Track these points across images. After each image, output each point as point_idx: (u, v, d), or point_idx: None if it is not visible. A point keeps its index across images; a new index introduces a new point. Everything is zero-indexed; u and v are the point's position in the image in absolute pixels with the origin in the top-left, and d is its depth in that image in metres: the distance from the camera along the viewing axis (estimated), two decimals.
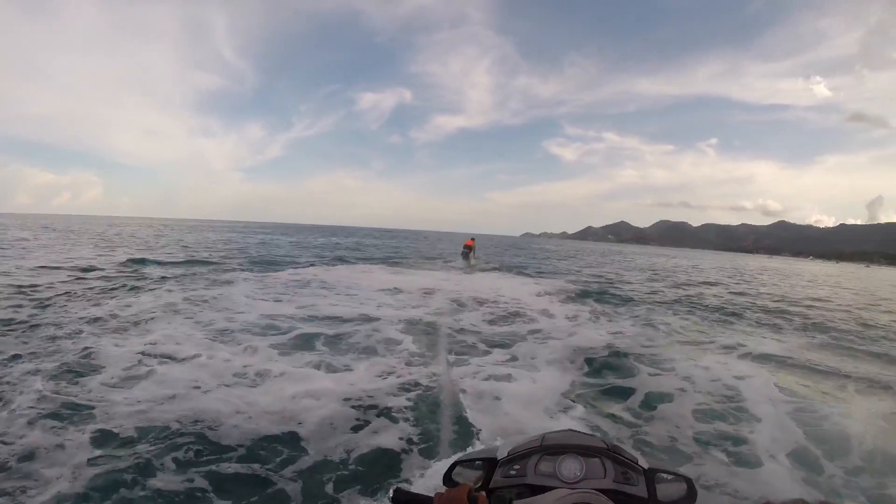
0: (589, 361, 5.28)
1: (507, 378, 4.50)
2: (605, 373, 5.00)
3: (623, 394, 4.36)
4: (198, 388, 3.69)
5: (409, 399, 3.77)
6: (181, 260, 14.01)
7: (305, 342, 5.49)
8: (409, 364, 4.79)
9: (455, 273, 15.80)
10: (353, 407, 3.53)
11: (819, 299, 14.78)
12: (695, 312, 9.93)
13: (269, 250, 21.33)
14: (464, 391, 4.00)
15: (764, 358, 5.97)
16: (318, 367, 4.57)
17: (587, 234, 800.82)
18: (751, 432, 3.57)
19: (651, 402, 4.17)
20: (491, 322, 7.44)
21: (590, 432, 1.28)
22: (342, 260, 18.03)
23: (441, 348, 5.55)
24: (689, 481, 0.98)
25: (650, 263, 33.52)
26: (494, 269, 18.60)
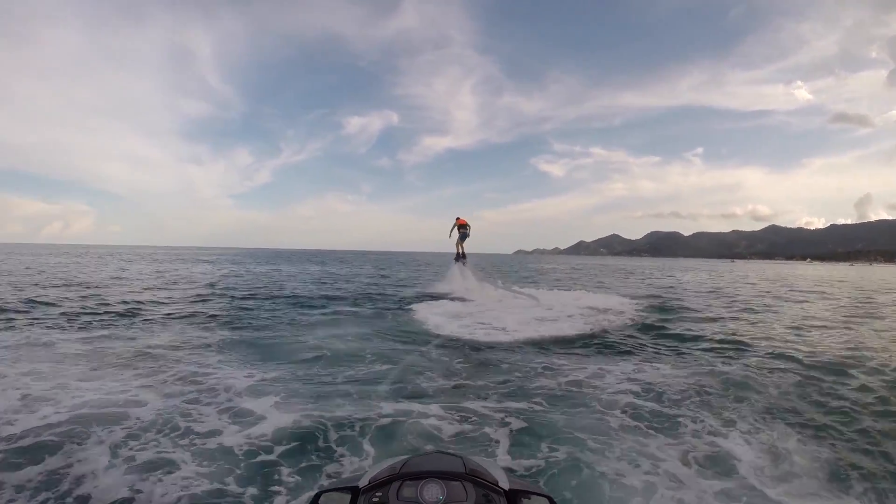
0: None
1: None
2: None
3: None
4: None
5: None
6: None
7: None
8: None
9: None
10: None
11: None
12: None
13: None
14: None
15: None
16: None
17: (580, 248, 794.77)
18: None
19: None
20: None
21: (453, 453, 1.06)
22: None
23: None
24: (550, 499, 0.96)
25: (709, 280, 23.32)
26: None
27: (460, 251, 16.30)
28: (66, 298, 11.01)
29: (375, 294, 14.49)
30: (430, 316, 9.43)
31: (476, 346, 6.86)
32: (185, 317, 9.01)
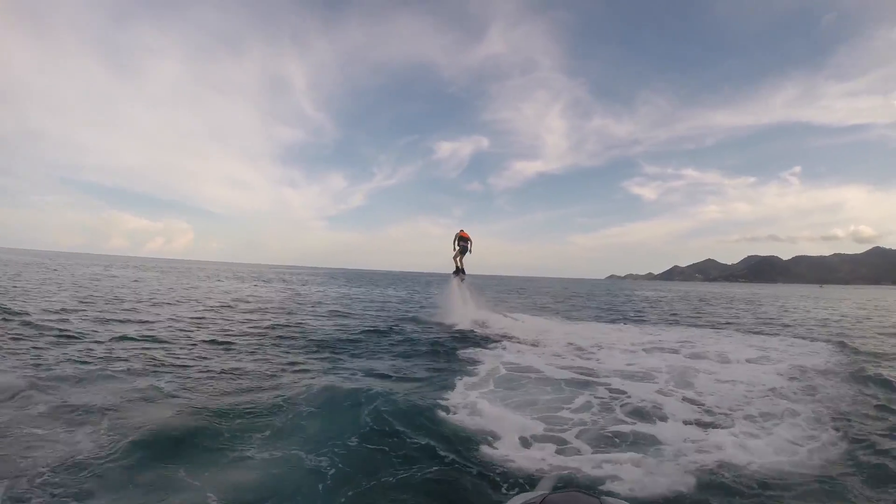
0: None
1: None
2: None
3: None
4: None
5: None
6: None
7: None
8: None
9: None
10: None
11: None
12: None
13: None
14: None
15: None
16: None
17: (673, 273, 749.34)
18: None
19: None
20: None
21: (591, 493, 0.92)
22: None
23: None
24: None
25: None
26: None
27: (459, 266, 15.38)
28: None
29: (424, 336, 11.13)
30: (491, 400, 5.89)
31: None
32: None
